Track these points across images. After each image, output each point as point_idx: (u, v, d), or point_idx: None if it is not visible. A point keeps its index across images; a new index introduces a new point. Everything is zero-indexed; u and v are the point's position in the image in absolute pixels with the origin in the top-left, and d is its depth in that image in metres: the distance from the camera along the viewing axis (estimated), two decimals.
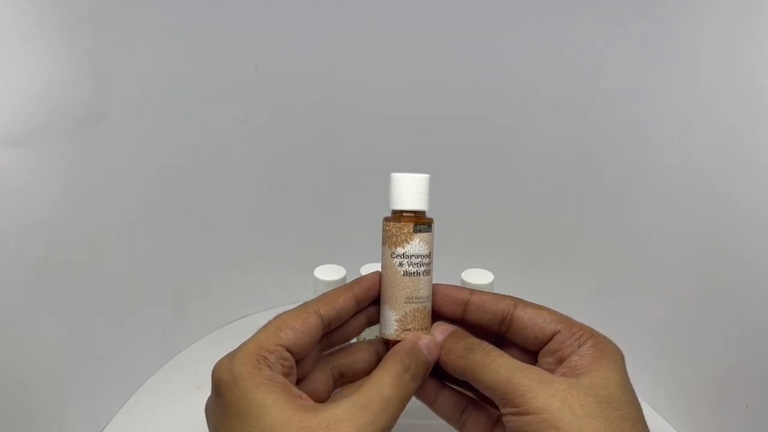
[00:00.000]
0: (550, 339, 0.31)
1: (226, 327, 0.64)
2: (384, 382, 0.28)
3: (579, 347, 0.30)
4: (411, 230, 0.32)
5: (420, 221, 0.33)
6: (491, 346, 0.31)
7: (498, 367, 0.29)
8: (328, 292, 0.33)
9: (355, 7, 0.55)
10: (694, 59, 0.45)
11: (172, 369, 0.57)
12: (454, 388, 0.34)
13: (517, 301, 0.33)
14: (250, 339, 0.29)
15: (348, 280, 0.44)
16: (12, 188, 0.37)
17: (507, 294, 0.34)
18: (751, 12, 0.41)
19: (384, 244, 0.33)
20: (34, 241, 0.39)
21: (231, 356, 0.28)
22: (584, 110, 0.55)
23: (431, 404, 0.34)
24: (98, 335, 0.46)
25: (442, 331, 0.33)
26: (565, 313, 0.33)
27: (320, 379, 0.32)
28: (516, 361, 0.29)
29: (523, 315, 0.32)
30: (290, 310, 0.31)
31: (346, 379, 0.33)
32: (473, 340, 0.32)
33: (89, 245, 0.44)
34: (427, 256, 0.33)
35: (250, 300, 0.66)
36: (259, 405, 0.26)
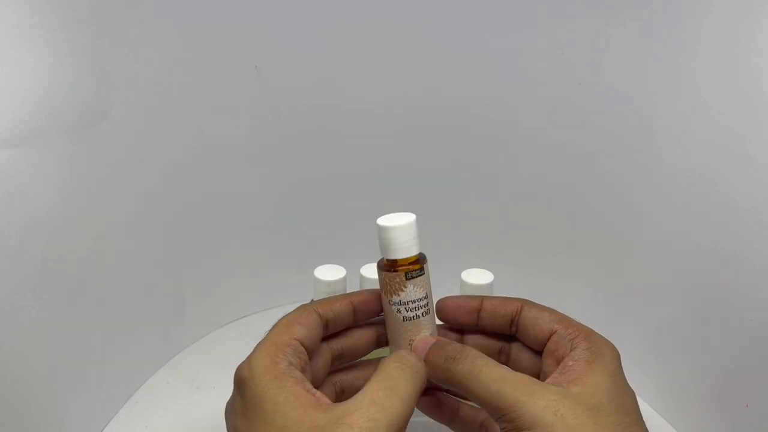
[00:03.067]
0: (549, 339, 0.32)
1: (226, 327, 0.64)
2: (390, 367, 0.29)
3: (572, 350, 0.30)
4: (403, 278, 0.32)
5: (411, 268, 0.32)
6: (475, 353, 0.30)
7: (486, 379, 0.28)
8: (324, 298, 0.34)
9: (355, 7, 0.55)
10: (694, 59, 0.45)
11: (172, 369, 0.57)
12: (470, 405, 0.35)
13: (524, 302, 0.34)
14: (265, 338, 0.30)
15: (348, 280, 0.44)
16: (12, 188, 0.36)
17: (515, 296, 0.35)
18: (751, 12, 0.41)
19: (381, 290, 0.34)
20: (34, 241, 0.39)
21: (249, 356, 0.29)
22: (583, 111, 0.55)
23: (449, 423, 0.35)
24: (98, 335, 0.46)
25: (422, 348, 0.32)
26: (565, 313, 0.33)
27: (323, 392, 0.33)
28: (504, 369, 0.29)
29: (528, 315, 0.33)
30: (290, 312, 0.32)
31: (346, 396, 0.34)
32: (454, 348, 0.31)
33: (89, 245, 0.44)
34: (424, 298, 0.33)
35: (250, 300, 0.66)
36: (273, 402, 0.26)
